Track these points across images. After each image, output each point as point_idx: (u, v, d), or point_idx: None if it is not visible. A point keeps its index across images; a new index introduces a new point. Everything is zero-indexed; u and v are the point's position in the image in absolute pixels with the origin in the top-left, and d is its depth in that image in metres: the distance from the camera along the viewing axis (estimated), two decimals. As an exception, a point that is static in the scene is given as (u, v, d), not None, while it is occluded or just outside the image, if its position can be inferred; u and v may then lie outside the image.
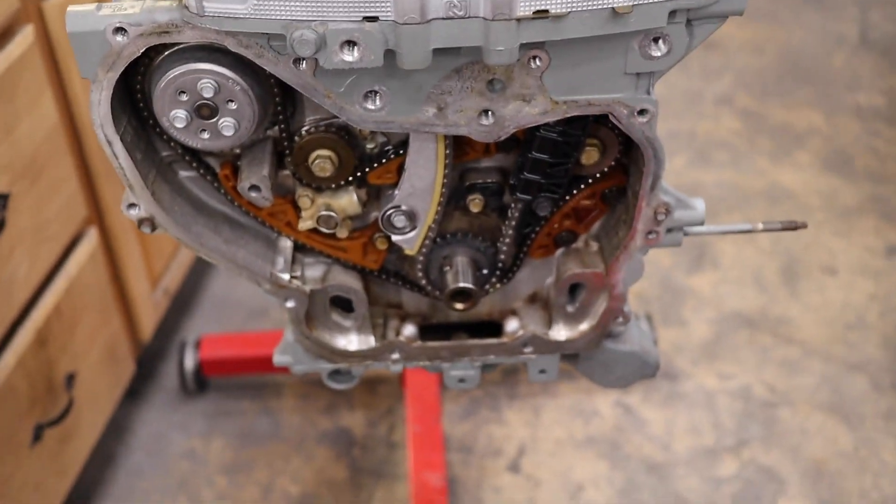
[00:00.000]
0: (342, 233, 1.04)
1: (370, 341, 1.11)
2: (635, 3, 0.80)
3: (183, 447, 1.82)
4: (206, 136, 0.92)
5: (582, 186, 1.01)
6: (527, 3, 0.79)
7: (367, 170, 0.99)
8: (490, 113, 0.89)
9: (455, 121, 0.90)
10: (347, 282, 1.07)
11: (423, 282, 1.08)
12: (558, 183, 0.98)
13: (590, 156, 0.97)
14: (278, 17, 0.80)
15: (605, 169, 0.99)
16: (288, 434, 1.84)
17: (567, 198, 1.01)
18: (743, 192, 2.37)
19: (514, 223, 1.03)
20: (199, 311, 2.10)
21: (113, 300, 1.66)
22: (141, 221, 0.99)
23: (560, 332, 1.11)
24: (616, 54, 0.86)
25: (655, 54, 0.85)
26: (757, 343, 2.01)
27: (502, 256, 1.07)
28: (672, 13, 0.82)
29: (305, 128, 0.97)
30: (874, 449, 1.79)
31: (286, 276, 1.05)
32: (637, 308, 2.02)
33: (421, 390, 1.76)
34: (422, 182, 0.97)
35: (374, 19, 0.80)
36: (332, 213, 1.02)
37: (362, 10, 0.79)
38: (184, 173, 1.03)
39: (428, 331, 1.14)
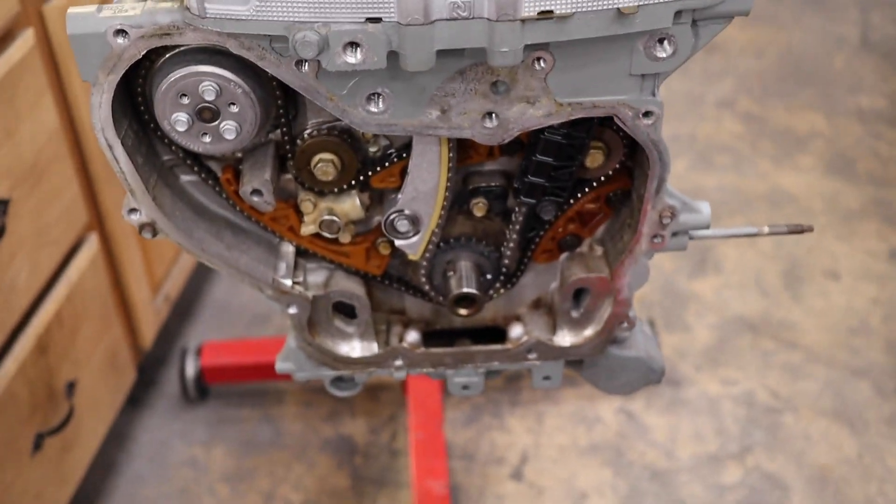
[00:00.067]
0: (345, 237, 1.03)
1: (373, 348, 1.10)
2: (640, 3, 0.79)
3: (184, 455, 1.81)
4: (207, 139, 0.91)
5: (586, 190, 1.00)
6: (531, 4, 0.78)
7: (369, 173, 0.98)
8: (494, 115, 0.88)
9: (459, 123, 0.89)
10: (350, 287, 1.06)
11: (427, 287, 1.07)
12: (563, 186, 0.97)
13: (594, 159, 0.96)
14: (280, 19, 0.80)
15: (610, 172, 0.99)
16: (289, 442, 1.83)
17: (571, 201, 1.01)
18: (745, 195, 2.37)
19: (518, 227, 1.02)
20: (201, 317, 2.09)
21: (114, 307, 1.65)
22: (142, 227, 0.98)
23: (564, 338, 1.10)
24: (621, 56, 0.85)
25: (661, 55, 0.84)
26: (760, 348, 2.00)
27: (506, 261, 1.06)
28: (678, 13, 0.81)
29: (308, 131, 0.96)
30: (879, 455, 1.78)
31: (288, 282, 1.04)
32: (639, 313, 2.01)
33: (423, 397, 1.75)
34: (425, 185, 0.96)
35: (377, 20, 0.79)
36: (335, 218, 1.01)
37: (365, 11, 0.79)
38: (185, 178, 1.02)
39: (431, 337, 1.13)
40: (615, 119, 0.89)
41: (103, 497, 1.74)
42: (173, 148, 0.98)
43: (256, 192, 0.96)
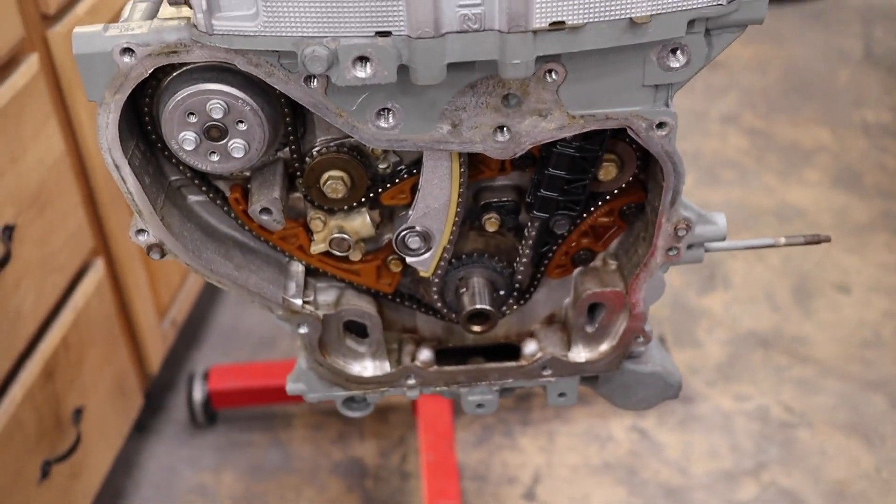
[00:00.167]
0: (355, 256, 1.02)
1: (385, 367, 1.09)
2: (653, 13, 0.78)
3: (193, 481, 1.79)
4: (215, 158, 0.90)
5: (600, 203, 0.99)
6: (543, 15, 0.77)
7: (379, 190, 0.97)
8: (506, 129, 0.87)
9: (470, 138, 0.88)
10: (361, 306, 1.05)
11: (439, 304, 1.06)
12: (576, 200, 0.96)
13: (607, 171, 0.95)
14: (289, 34, 0.79)
15: (623, 185, 0.97)
16: (299, 465, 1.81)
17: (585, 215, 0.99)
18: (752, 210, 2.36)
19: (530, 242, 1.01)
20: (207, 341, 2.08)
21: (120, 332, 1.64)
22: (150, 248, 0.96)
23: (580, 354, 1.08)
24: (634, 66, 0.84)
25: (674, 65, 0.83)
26: (772, 363, 1.98)
27: (519, 277, 1.04)
28: (691, 23, 0.80)
29: (317, 148, 0.95)
30: (896, 469, 1.77)
31: (299, 302, 1.02)
32: (650, 330, 2.00)
33: (433, 418, 1.74)
34: (436, 202, 0.95)
35: (386, 34, 0.78)
36: (345, 236, 0.99)
37: (375, 24, 0.78)
38: (193, 198, 1.01)
39: (444, 355, 1.11)
40: (628, 131, 0.88)
41: (112, 525, 1.72)
42: (181, 167, 0.96)
43: (266, 210, 0.95)
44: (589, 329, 1.07)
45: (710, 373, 1.96)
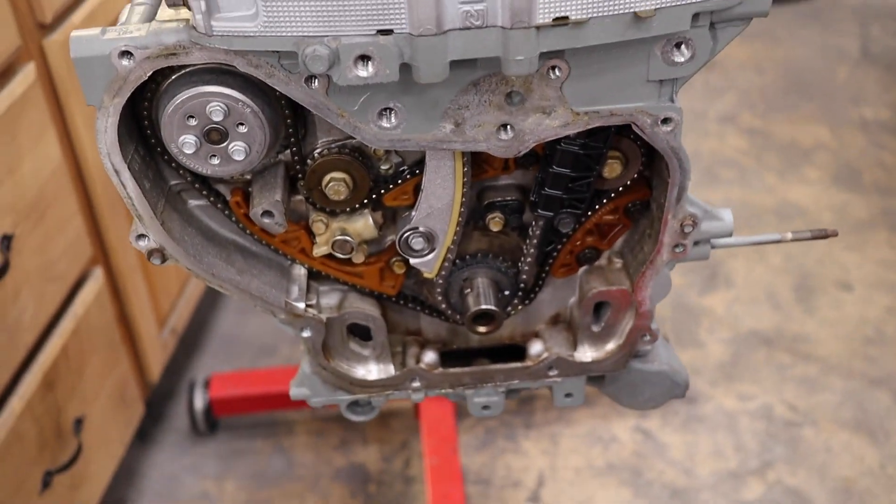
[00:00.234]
0: (358, 258, 1.01)
1: (390, 370, 1.08)
2: (657, 6, 0.78)
3: (195, 490, 1.78)
4: (216, 161, 0.89)
5: (604, 201, 0.98)
6: (546, 10, 0.76)
7: (382, 191, 0.96)
8: (509, 127, 0.86)
9: (473, 136, 0.87)
10: (365, 309, 1.04)
11: (443, 306, 1.05)
12: (581, 198, 0.95)
13: (612, 169, 0.94)
14: (289, 34, 0.78)
15: (628, 182, 0.96)
16: (302, 472, 1.80)
17: (589, 213, 0.98)
18: (752, 209, 2.35)
19: (535, 241, 1.00)
20: (208, 349, 2.07)
21: (120, 341, 1.63)
22: (151, 253, 0.95)
23: (586, 354, 1.07)
24: (638, 61, 0.83)
25: (678, 60, 0.83)
26: (775, 362, 1.97)
27: (524, 276, 1.03)
28: (695, 16, 0.80)
29: (318, 150, 0.94)
30: (902, 466, 1.76)
31: (301, 305, 1.01)
32: (652, 331, 1.99)
33: (436, 422, 1.73)
34: (440, 202, 0.94)
35: (388, 32, 0.77)
36: (348, 238, 0.98)
37: (376, 23, 0.77)
38: (193, 202, 1.00)
39: (448, 357, 1.10)
40: (633, 127, 0.87)
41: (114, 535, 1.71)
42: (181, 172, 0.96)
43: (267, 213, 0.94)
44: (595, 328, 1.06)
45: (713, 373, 1.95)
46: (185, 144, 0.87)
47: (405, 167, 0.96)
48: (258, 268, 1.02)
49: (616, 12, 0.77)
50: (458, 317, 1.05)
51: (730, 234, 0.99)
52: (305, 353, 1.06)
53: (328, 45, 0.78)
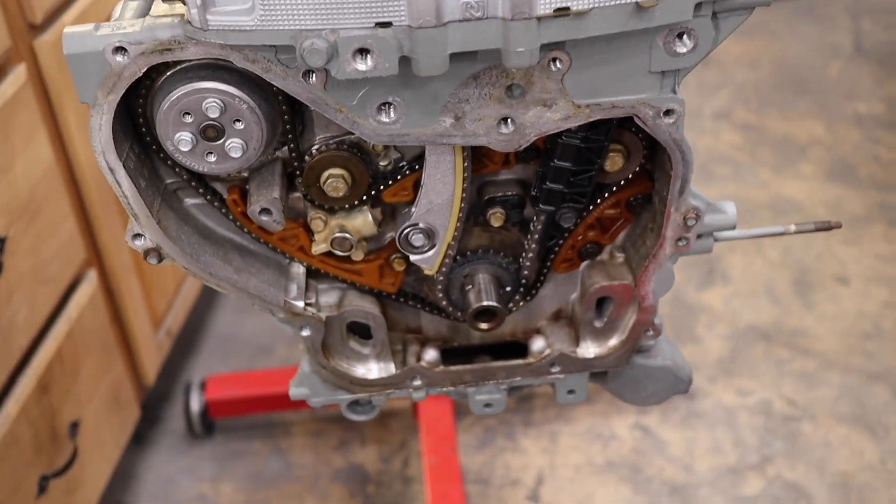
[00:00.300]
0: (357, 255, 1.00)
1: (390, 368, 1.07)
2: (659, -4, 0.77)
3: (192, 492, 1.77)
4: (212, 158, 0.87)
5: (606, 195, 0.97)
6: (547, 1, 0.75)
7: (381, 188, 0.95)
8: (510, 121, 0.85)
9: (474, 130, 0.86)
10: (365, 307, 1.03)
11: (444, 303, 1.04)
12: (582, 192, 0.94)
13: (614, 162, 0.93)
14: (287, 28, 0.77)
15: (630, 175, 0.95)
16: (300, 473, 1.79)
17: (591, 208, 0.97)
18: (748, 205, 2.34)
19: (536, 237, 0.99)
20: (204, 351, 2.06)
21: (115, 343, 1.61)
22: (147, 252, 0.94)
23: (588, 349, 1.06)
24: (640, 52, 0.82)
25: (681, 50, 0.82)
26: (773, 357, 1.97)
27: (525, 272, 1.02)
28: (697, 6, 0.79)
29: (316, 146, 0.93)
30: (902, 459, 1.75)
31: (300, 304, 1.00)
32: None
33: (435, 421, 1.71)
34: (440, 197, 0.93)
35: (387, 25, 0.76)
36: (347, 235, 0.97)
37: (374, 15, 0.76)
38: (190, 200, 0.99)
39: (449, 355, 1.09)
40: (635, 119, 0.86)
41: (111, 539, 1.70)
42: (177, 170, 0.94)
43: (265, 211, 0.93)
44: (597, 324, 1.05)
45: (712, 368, 1.95)
46: (180, 142, 0.86)
47: (404, 163, 0.95)
48: (256, 266, 1.01)
49: (618, 2, 0.77)
50: (459, 314, 1.04)
51: (733, 227, 0.98)
52: (305, 353, 1.05)
53: (326, 38, 0.77)
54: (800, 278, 2.14)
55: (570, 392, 1.10)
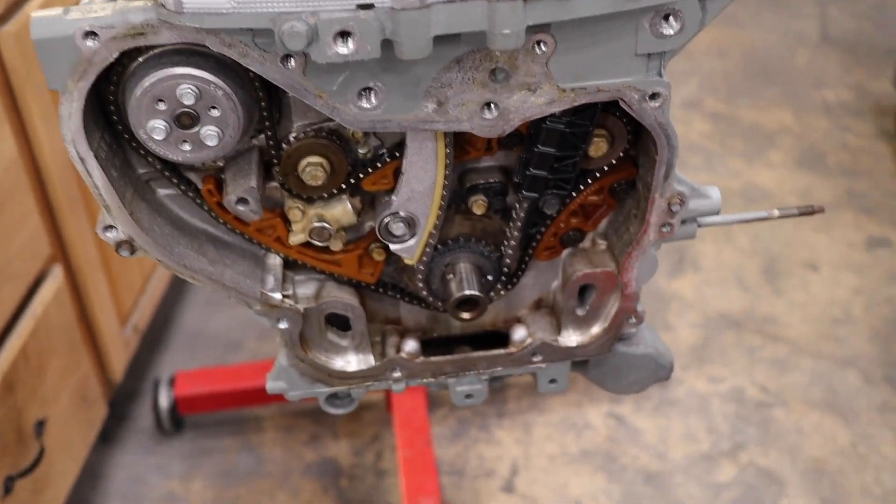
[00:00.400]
0: (336, 245, 0.98)
1: (370, 360, 1.05)
2: (646, -23, 0.75)
3: (161, 490, 1.74)
4: (187, 147, 0.85)
5: (590, 181, 0.95)
6: (533, -18, 0.73)
7: (360, 176, 0.93)
8: (493, 105, 0.84)
9: (456, 116, 0.84)
10: (343, 298, 1.01)
11: (425, 293, 1.02)
12: (566, 178, 0.92)
13: (598, 147, 0.92)
14: (265, 10, 0.74)
15: (614, 161, 0.94)
16: (271, 469, 1.76)
17: (574, 194, 0.96)
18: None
19: (518, 224, 0.97)
20: (172, 347, 2.02)
21: (81, 340, 1.58)
22: (119, 244, 0.91)
23: (570, 338, 1.05)
24: (626, 34, 0.81)
25: (667, 32, 0.80)
26: (745, 344, 1.97)
27: (507, 260, 1.01)
28: (684, -13, 0.78)
29: (293, 134, 0.91)
30: (872, 444, 1.76)
31: (278, 296, 0.98)
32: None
33: (409, 413, 1.70)
34: (421, 185, 0.91)
35: (369, 6, 0.74)
36: (326, 225, 0.95)
37: (356, -4, 0.73)
38: (163, 191, 0.96)
39: (429, 345, 1.07)
40: (620, 103, 0.85)
41: (80, 540, 1.66)
42: (150, 159, 0.91)
43: (242, 200, 0.90)
44: (579, 312, 1.04)
45: (684, 356, 1.95)
46: (154, 130, 0.83)
47: (384, 150, 0.93)
48: (231, 258, 0.98)
49: (605, -17, 0.75)
50: (440, 304, 1.02)
51: (717, 213, 0.97)
52: (282, 346, 1.03)
53: (306, 20, 0.74)
54: (770, 266, 2.15)
55: (552, 381, 1.09)
